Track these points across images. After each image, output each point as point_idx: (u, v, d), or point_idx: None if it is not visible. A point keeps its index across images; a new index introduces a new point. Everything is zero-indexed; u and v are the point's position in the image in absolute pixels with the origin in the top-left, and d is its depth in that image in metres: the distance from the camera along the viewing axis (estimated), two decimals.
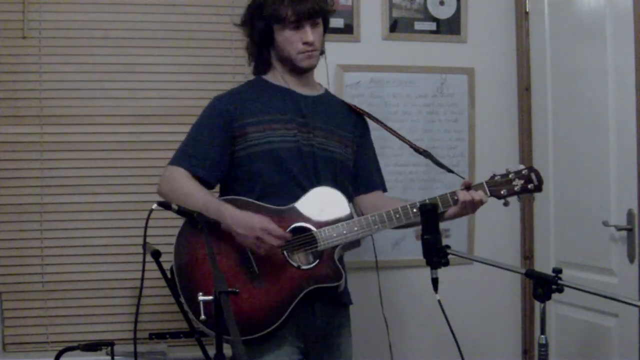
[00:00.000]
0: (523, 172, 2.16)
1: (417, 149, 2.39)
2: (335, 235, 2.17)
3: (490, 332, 3.17)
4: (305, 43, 2.23)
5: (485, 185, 2.17)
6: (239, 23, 2.37)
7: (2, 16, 2.85)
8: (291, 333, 2.17)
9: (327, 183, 2.25)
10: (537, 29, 3.07)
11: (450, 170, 2.31)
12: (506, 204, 2.17)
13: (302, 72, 2.30)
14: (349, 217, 2.21)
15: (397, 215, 2.17)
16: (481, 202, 2.15)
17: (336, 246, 2.17)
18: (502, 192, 2.16)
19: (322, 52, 2.38)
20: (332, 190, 2.22)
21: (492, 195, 2.16)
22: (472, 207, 2.16)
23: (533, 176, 2.16)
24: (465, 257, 2.00)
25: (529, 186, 2.15)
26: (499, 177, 2.17)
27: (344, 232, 2.17)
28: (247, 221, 2.09)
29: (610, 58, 2.57)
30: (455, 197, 2.15)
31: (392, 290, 3.01)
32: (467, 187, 2.16)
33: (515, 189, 2.16)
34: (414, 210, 2.15)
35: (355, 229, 2.17)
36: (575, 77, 2.80)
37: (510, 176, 2.16)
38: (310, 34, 2.24)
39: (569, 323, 2.83)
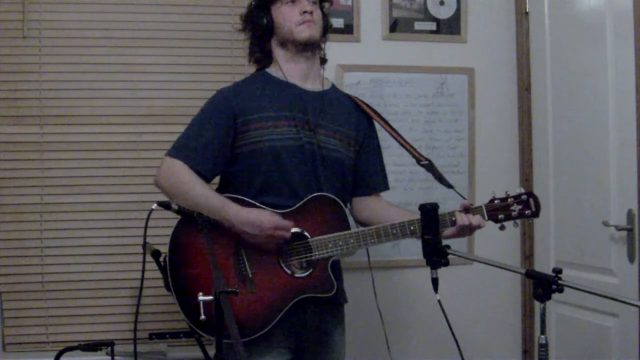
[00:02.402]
0: (522, 197, 2.14)
1: (419, 160, 2.35)
2: (330, 245, 2.16)
3: (490, 332, 3.17)
4: (303, 12, 2.23)
5: (484, 209, 2.15)
6: (240, 28, 2.37)
7: (2, 16, 2.86)
8: (282, 334, 2.17)
9: (326, 183, 2.24)
10: (537, 29, 3.07)
11: (450, 186, 2.28)
12: (502, 228, 2.16)
13: (304, 48, 2.26)
14: (347, 228, 2.21)
15: (394, 231, 2.16)
16: (478, 227, 2.14)
17: (330, 256, 2.17)
18: (499, 217, 2.14)
19: (324, 60, 2.38)
20: (332, 198, 2.21)
21: (489, 219, 2.15)
22: (469, 230, 2.15)
23: (531, 202, 2.14)
24: (465, 257, 1.99)
25: (527, 212, 2.14)
26: (498, 200, 2.15)
27: (340, 243, 2.16)
28: (254, 220, 2.09)
29: (610, 58, 2.57)
30: (454, 219, 2.14)
31: (392, 290, 3.01)
32: (466, 209, 2.15)
33: (513, 214, 2.14)
34: (411, 228, 2.14)
35: (352, 241, 2.17)
36: (575, 77, 2.81)
37: (509, 201, 2.14)
38: (306, 3, 2.24)
39: (569, 323, 2.83)
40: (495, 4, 3.20)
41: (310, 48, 2.28)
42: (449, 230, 2.16)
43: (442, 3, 3.15)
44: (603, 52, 2.59)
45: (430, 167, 2.34)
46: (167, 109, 2.95)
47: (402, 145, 2.40)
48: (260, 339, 2.11)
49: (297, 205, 2.19)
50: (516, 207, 2.14)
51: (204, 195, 2.14)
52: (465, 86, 3.16)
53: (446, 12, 3.16)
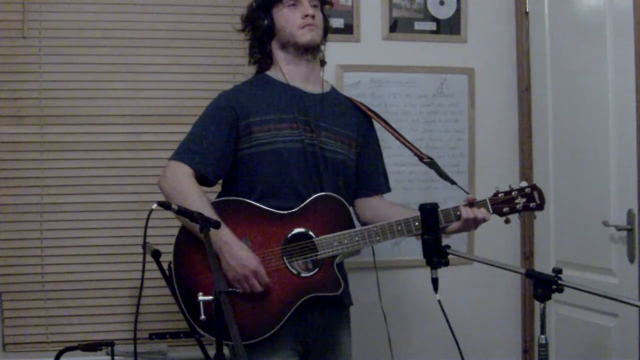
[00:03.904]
0: (526, 190, 2.15)
1: (421, 158, 2.36)
2: (336, 244, 2.16)
3: (490, 332, 3.17)
4: (305, 16, 2.23)
5: (489, 203, 2.16)
6: (240, 28, 2.38)
7: (2, 16, 2.85)
8: (289, 336, 2.17)
9: (329, 185, 2.24)
10: (537, 29, 3.07)
11: (453, 182, 2.29)
12: (507, 221, 2.17)
13: (305, 52, 2.27)
14: (351, 226, 2.21)
15: (399, 228, 2.16)
16: (484, 220, 2.15)
17: (336, 255, 2.17)
18: (504, 210, 2.15)
19: (323, 62, 2.38)
20: (336, 198, 2.21)
21: (494, 212, 2.16)
22: (474, 224, 2.15)
23: (536, 195, 2.15)
24: (465, 257, 2.00)
25: (531, 205, 2.14)
26: (502, 194, 2.16)
27: (345, 241, 2.16)
28: (241, 256, 2.08)
29: (610, 58, 2.57)
30: (458, 213, 2.14)
31: (392, 291, 3.01)
32: (470, 203, 2.15)
33: (518, 207, 2.15)
34: (416, 223, 2.14)
35: (357, 239, 2.17)
36: (575, 77, 2.80)
37: (513, 194, 2.15)
38: (308, 7, 2.25)
39: (569, 323, 2.83)
40: (495, 4, 3.20)
41: (311, 51, 2.28)
42: (454, 225, 2.16)
43: (442, 3, 3.15)
44: (603, 52, 2.59)
45: (432, 165, 2.35)
46: (167, 109, 2.95)
47: (404, 144, 2.40)
48: (267, 340, 2.11)
49: (301, 206, 2.19)
50: (520, 200, 2.14)
51: (202, 209, 2.08)
52: (465, 86, 3.16)
53: (446, 12, 3.16)
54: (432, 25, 3.15)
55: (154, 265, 2.25)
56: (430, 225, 1.89)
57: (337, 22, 3.02)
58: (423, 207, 1.91)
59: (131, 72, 2.94)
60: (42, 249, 2.87)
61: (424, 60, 3.13)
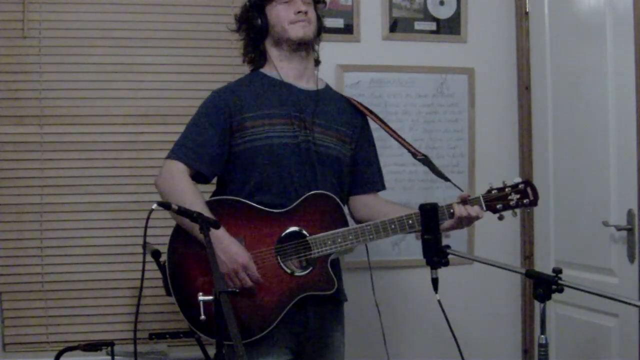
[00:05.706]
0: (519, 186, 2.14)
1: (415, 155, 2.36)
2: (329, 243, 2.16)
3: (490, 332, 3.17)
4: (298, 12, 2.24)
5: (482, 200, 2.15)
6: (234, 28, 2.38)
7: (2, 16, 2.86)
8: (282, 334, 2.17)
9: (322, 181, 2.24)
10: (537, 29, 3.07)
11: (447, 179, 2.29)
12: (501, 218, 2.16)
13: (297, 47, 2.27)
14: (345, 225, 2.20)
15: (393, 226, 2.16)
16: (477, 218, 2.14)
17: (330, 254, 2.17)
18: (497, 207, 2.14)
19: (318, 61, 2.39)
20: (330, 196, 2.21)
21: (488, 209, 2.15)
22: (467, 221, 2.15)
23: (529, 190, 2.14)
24: (465, 257, 2.00)
25: (525, 201, 2.14)
26: (495, 190, 2.15)
27: (339, 240, 2.16)
28: (232, 251, 2.08)
29: (610, 58, 2.57)
30: (452, 211, 2.13)
31: (392, 290, 3.01)
32: (464, 200, 2.15)
33: (511, 203, 2.14)
34: (410, 222, 2.15)
35: (350, 237, 2.16)
36: (575, 77, 2.80)
37: (506, 190, 2.14)
38: (300, 3, 2.25)
39: (569, 323, 2.83)
40: (495, 4, 3.20)
41: (304, 47, 2.29)
42: (447, 223, 2.16)
43: (442, 3, 3.15)
44: (603, 52, 2.59)
45: (426, 162, 2.35)
46: (167, 109, 2.95)
47: (398, 141, 2.41)
48: (261, 339, 2.11)
49: (295, 204, 2.19)
50: (514, 197, 2.14)
51: (196, 208, 2.08)
52: (465, 86, 3.16)
53: (446, 12, 3.16)
54: (432, 25, 3.15)
55: (154, 265, 2.25)
56: (430, 226, 1.89)
57: (337, 22, 3.03)
58: (423, 207, 1.91)
59: (131, 72, 2.94)
60: (42, 249, 2.87)
61: (424, 60, 3.13)
